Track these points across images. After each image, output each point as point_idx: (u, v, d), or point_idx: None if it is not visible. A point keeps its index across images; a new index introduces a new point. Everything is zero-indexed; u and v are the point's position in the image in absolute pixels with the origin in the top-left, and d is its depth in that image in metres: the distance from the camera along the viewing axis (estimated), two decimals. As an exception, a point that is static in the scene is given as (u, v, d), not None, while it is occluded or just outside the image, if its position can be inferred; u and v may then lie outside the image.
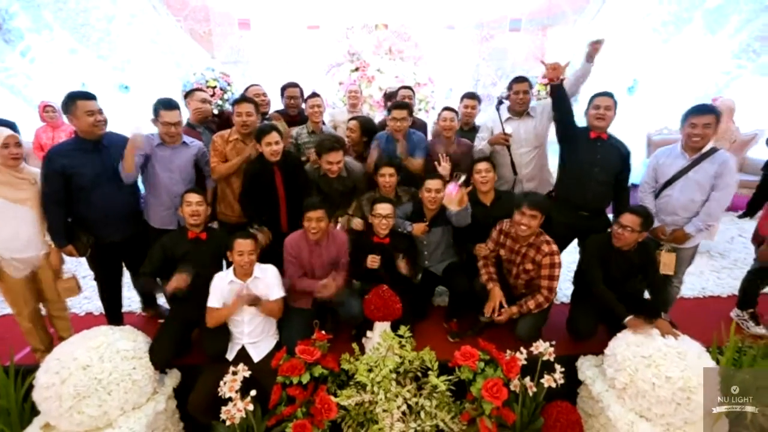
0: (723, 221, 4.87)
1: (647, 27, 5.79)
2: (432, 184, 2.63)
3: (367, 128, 3.17)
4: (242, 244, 2.20)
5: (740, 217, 4.92)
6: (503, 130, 2.91)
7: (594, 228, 2.57)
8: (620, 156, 2.56)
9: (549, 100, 2.77)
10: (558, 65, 2.49)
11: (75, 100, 2.25)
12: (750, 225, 4.75)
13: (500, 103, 3.07)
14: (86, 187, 2.32)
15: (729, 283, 3.39)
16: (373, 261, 2.51)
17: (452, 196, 2.46)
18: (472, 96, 3.39)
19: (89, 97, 2.30)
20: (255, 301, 2.22)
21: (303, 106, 3.53)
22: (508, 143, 2.87)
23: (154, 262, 2.35)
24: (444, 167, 2.73)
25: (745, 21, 5.31)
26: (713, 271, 3.62)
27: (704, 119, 2.32)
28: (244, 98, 2.73)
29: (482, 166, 2.70)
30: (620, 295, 2.43)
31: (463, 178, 2.54)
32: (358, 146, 3.18)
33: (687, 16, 5.64)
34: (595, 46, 2.54)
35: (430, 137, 3.50)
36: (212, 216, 2.88)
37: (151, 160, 2.51)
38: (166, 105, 2.49)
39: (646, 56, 5.86)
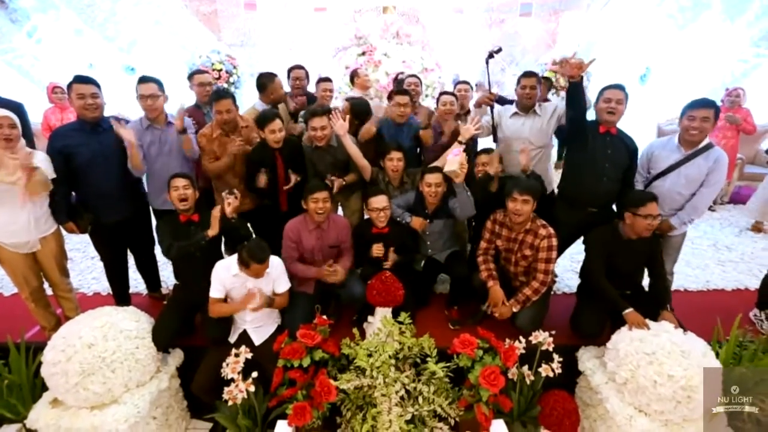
0: (733, 213, 4.81)
1: (662, 13, 5.61)
2: (431, 178, 2.60)
3: (359, 111, 3.10)
4: (258, 269, 2.13)
5: None
6: (489, 87, 2.93)
7: (601, 224, 2.51)
8: (628, 151, 2.50)
9: (561, 103, 2.75)
10: (581, 63, 2.32)
11: (72, 83, 2.35)
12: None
13: (490, 56, 2.97)
14: (84, 167, 2.38)
15: (734, 277, 3.35)
16: (378, 250, 2.52)
17: (453, 160, 2.42)
18: (465, 82, 3.50)
19: (83, 80, 2.36)
20: (270, 302, 2.24)
21: (309, 88, 3.57)
22: (492, 102, 2.84)
23: (168, 236, 2.36)
24: (468, 129, 2.68)
25: (767, 7, 5.13)
26: (719, 264, 3.58)
27: (703, 113, 2.30)
28: (220, 95, 2.67)
29: (485, 158, 2.69)
30: (630, 288, 2.43)
31: (464, 145, 2.56)
32: (350, 128, 3.13)
33: (706, 1, 5.46)
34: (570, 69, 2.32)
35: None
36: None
37: (144, 145, 2.56)
38: (140, 80, 2.56)
39: (660, 43, 5.69)
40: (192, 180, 2.41)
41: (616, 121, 2.47)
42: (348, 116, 2.91)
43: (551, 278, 2.41)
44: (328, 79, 3.38)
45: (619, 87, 2.44)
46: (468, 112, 3.39)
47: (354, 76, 4.12)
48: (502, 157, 2.72)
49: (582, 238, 2.72)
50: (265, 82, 3.11)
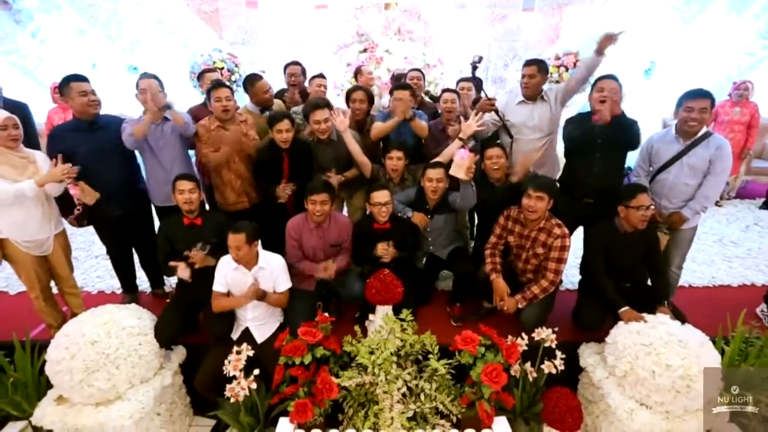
0: (739, 209, 4.76)
1: (667, 6, 5.54)
2: (433, 173, 2.58)
3: (373, 98, 3.12)
4: (232, 239, 2.13)
5: (761, 208, 4.78)
6: (485, 92, 2.90)
7: (600, 215, 2.51)
8: (623, 132, 2.44)
9: (562, 85, 2.77)
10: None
11: (69, 82, 2.40)
12: (766, 214, 4.63)
13: (474, 68, 2.99)
14: (83, 165, 2.39)
15: (740, 273, 3.32)
16: (383, 249, 2.50)
17: (463, 161, 2.39)
18: (467, 80, 3.42)
19: (82, 79, 2.43)
20: (262, 296, 2.23)
21: (306, 84, 3.57)
22: (494, 107, 2.79)
23: (165, 250, 2.41)
24: (470, 126, 2.63)
25: (775, -1, 5.05)
26: (725, 260, 3.55)
27: (701, 103, 2.29)
28: (220, 84, 2.73)
29: (493, 152, 2.65)
30: (630, 282, 2.42)
31: (472, 143, 2.52)
32: (362, 119, 3.10)
33: (712, -6, 5.39)
34: (607, 41, 2.44)
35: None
36: (212, 204, 2.93)
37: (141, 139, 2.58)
38: (141, 76, 2.60)
39: (665, 37, 5.62)
40: (197, 182, 2.42)
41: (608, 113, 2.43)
42: (366, 104, 2.94)
43: (560, 279, 2.38)
44: (321, 76, 3.41)
45: (612, 77, 2.43)
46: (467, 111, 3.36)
47: (358, 73, 4.13)
48: (506, 151, 2.70)
49: (582, 230, 2.71)
50: (247, 85, 3.15)
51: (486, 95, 2.83)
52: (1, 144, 2.16)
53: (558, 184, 2.79)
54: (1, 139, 2.15)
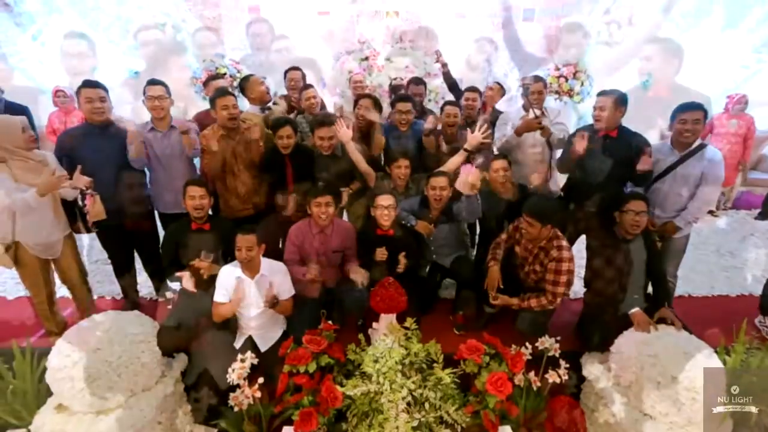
0: (736, 219, 4.82)
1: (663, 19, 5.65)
2: (437, 182, 2.60)
3: (380, 106, 3.15)
4: (240, 240, 2.14)
5: (757, 218, 4.84)
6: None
7: (601, 224, 2.53)
8: (630, 150, 2.48)
9: (563, 106, 2.83)
10: None
11: (80, 88, 2.44)
12: (762, 224, 4.69)
13: (526, 93, 3.03)
14: (90, 170, 2.37)
15: (739, 283, 3.37)
16: (382, 254, 2.52)
17: (465, 181, 2.43)
18: (473, 89, 3.38)
19: (91, 85, 2.46)
20: (274, 302, 2.22)
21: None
22: (541, 124, 2.67)
23: (170, 254, 2.41)
24: (475, 137, 2.65)
25: (769, 14, 5.17)
26: (723, 270, 3.59)
27: (694, 115, 2.37)
28: (225, 92, 2.71)
29: (499, 164, 2.66)
30: (636, 292, 2.41)
31: (480, 160, 2.54)
32: (367, 127, 3.09)
33: (707, 8, 5.50)
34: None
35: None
36: (215, 210, 2.93)
37: (146, 147, 2.60)
38: (149, 82, 2.62)
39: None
40: (207, 187, 2.42)
41: (602, 128, 2.52)
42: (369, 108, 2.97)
43: (559, 301, 2.36)
44: (310, 86, 3.31)
45: (606, 94, 2.51)
46: (474, 121, 3.35)
47: (349, 81, 4.18)
48: (510, 162, 2.73)
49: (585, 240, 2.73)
50: (242, 84, 3.17)
51: (536, 114, 2.69)
52: (24, 146, 2.16)
53: (561, 196, 2.84)
54: (25, 141, 2.16)
